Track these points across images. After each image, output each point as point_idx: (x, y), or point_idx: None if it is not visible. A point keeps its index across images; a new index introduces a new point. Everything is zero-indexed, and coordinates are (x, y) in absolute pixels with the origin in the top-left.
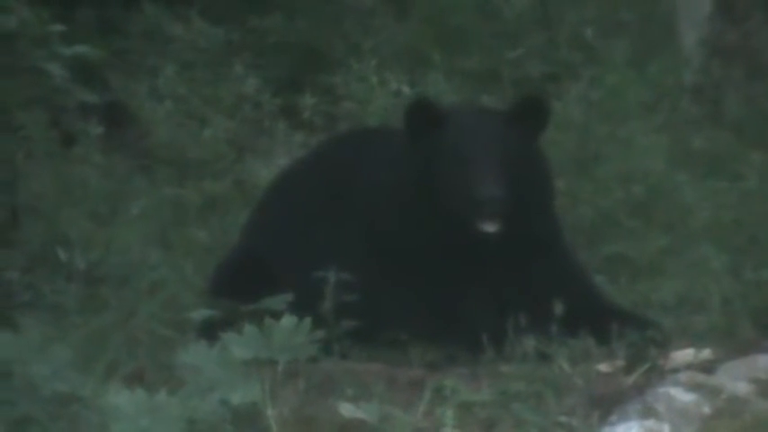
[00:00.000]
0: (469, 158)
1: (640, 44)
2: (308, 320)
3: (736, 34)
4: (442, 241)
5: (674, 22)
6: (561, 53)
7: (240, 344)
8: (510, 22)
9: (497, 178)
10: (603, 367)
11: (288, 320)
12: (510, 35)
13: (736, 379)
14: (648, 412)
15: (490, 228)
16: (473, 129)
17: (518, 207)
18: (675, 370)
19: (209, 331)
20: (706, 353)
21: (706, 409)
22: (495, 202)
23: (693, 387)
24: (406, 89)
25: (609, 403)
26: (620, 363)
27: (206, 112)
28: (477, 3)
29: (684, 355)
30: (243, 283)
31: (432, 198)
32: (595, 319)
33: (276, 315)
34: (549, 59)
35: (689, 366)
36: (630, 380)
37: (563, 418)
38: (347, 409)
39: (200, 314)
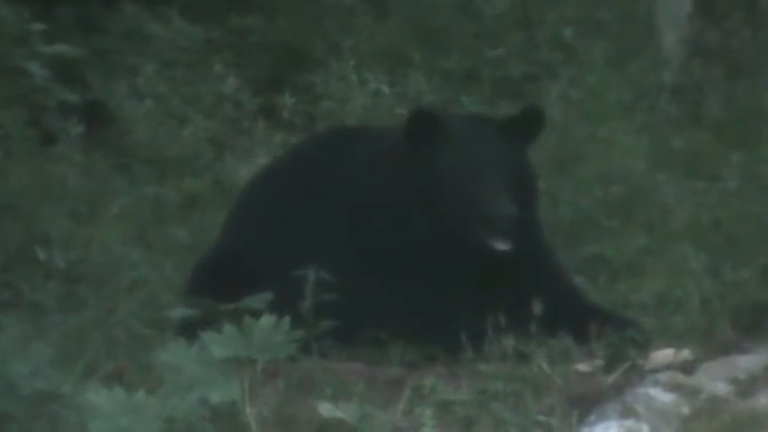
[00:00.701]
0: (480, 173)
1: (620, 44)
2: (287, 320)
3: (716, 34)
4: (434, 249)
5: (654, 22)
6: (541, 53)
7: (219, 343)
8: (490, 21)
9: (509, 195)
10: (582, 367)
11: (267, 320)
12: (490, 35)
13: (715, 379)
14: (627, 412)
15: (502, 245)
16: (479, 142)
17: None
18: (655, 370)
19: (189, 330)
20: (685, 353)
21: (685, 410)
22: (510, 219)
23: (673, 387)
24: (385, 89)
25: (588, 403)
26: (599, 362)
27: (186, 112)
28: (457, 3)
29: (664, 355)
30: (221, 282)
31: (433, 210)
32: (575, 318)
33: (255, 314)
34: (529, 59)
35: (668, 366)
36: (610, 380)
37: (542, 418)
38: (326, 409)
39: (179, 313)
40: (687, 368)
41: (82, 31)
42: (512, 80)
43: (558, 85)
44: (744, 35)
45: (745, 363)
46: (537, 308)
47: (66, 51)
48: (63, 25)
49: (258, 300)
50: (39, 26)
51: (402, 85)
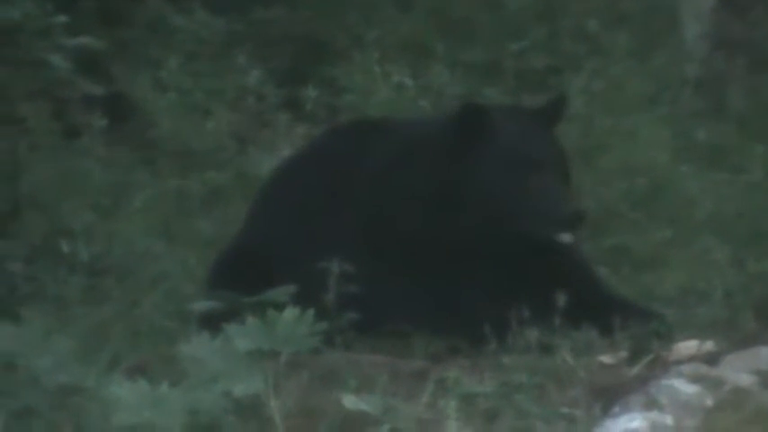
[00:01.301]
0: (537, 169)
1: (643, 36)
2: (310, 312)
3: (739, 27)
4: (469, 242)
5: (677, 14)
6: (564, 45)
7: (243, 335)
8: (513, 13)
9: (566, 188)
10: (606, 359)
11: (290, 312)
12: (513, 27)
13: (738, 371)
14: (651, 404)
15: (567, 238)
16: (529, 136)
17: None
18: (678, 362)
19: (212, 323)
20: (709, 345)
21: (709, 401)
22: (582, 215)
23: (696, 379)
24: (408, 81)
25: (611, 395)
26: (622, 354)
27: (209, 104)
28: None
29: (687, 347)
30: (242, 275)
31: (480, 204)
32: (598, 310)
33: (279, 307)
34: (552, 51)
35: (692, 358)
36: (633, 372)
37: (565, 410)
38: (350, 401)
39: (202, 306)
40: (711, 360)
41: (105, 24)
42: (535, 72)
43: (581, 77)
44: (766, 28)
45: None
46: (560, 300)
47: (89, 44)
48: (86, 18)
49: (281, 292)
50: (62, 19)
51: (425, 77)
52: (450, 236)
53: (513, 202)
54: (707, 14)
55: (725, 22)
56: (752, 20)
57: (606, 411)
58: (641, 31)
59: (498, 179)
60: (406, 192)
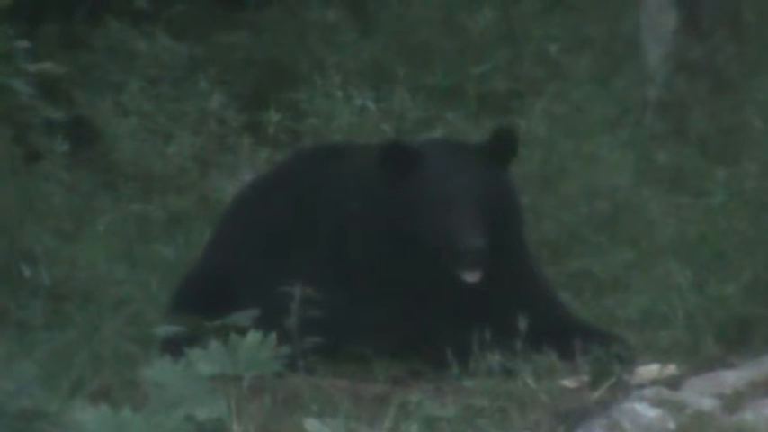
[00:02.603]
0: (450, 204)
1: (605, 60)
2: (272, 336)
3: (701, 50)
4: (415, 275)
5: (639, 38)
6: (526, 69)
7: (205, 359)
8: (475, 37)
9: (479, 226)
10: (568, 383)
11: (253, 336)
12: (475, 51)
13: (701, 394)
14: (613, 427)
15: (471, 277)
16: (452, 172)
17: (497, 236)
18: (640, 385)
19: (174, 347)
20: (671, 368)
21: (671, 425)
22: (477, 252)
23: (658, 402)
24: (370, 105)
25: (574, 419)
26: (584, 378)
27: (171, 128)
28: (441, 19)
29: (649, 370)
30: (205, 300)
31: (410, 240)
32: (560, 334)
33: (241, 331)
34: (514, 75)
35: (654, 382)
36: (595, 395)
37: None
38: (313, 425)
39: (164, 330)
40: (673, 383)
41: (66, 49)
42: (497, 96)
43: (542, 100)
44: (728, 51)
45: (731, 378)
46: (522, 324)
47: (50, 69)
48: (47, 43)
49: (244, 316)
50: (23, 43)
51: (387, 101)
52: (401, 264)
53: (425, 239)
54: (668, 38)
55: (686, 46)
56: (713, 43)
57: None
58: (603, 55)
59: (415, 215)
60: (356, 224)
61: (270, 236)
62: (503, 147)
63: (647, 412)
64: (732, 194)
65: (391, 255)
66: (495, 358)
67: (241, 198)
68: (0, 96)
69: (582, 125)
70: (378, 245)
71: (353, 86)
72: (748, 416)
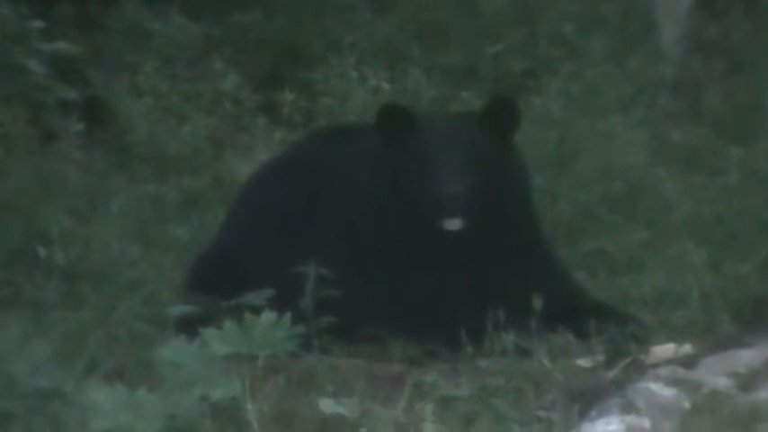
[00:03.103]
0: (433, 160)
1: (620, 39)
2: (287, 316)
3: (715, 29)
4: (414, 241)
5: (654, 17)
6: (541, 49)
7: (220, 339)
8: (490, 17)
9: (458, 176)
10: (583, 362)
11: (268, 316)
12: (490, 31)
13: (716, 374)
14: (628, 407)
15: (451, 225)
16: (440, 133)
17: (491, 207)
18: (655, 365)
19: (189, 327)
20: (686, 348)
21: (686, 404)
22: (454, 197)
23: (673, 382)
24: (385, 85)
25: (589, 398)
26: (599, 358)
27: (185, 109)
28: None
29: (664, 350)
30: (218, 280)
31: (403, 200)
32: (575, 314)
33: (256, 310)
34: (529, 55)
35: (669, 361)
36: (610, 375)
37: (542, 413)
38: (327, 405)
39: (179, 310)
40: (688, 363)
41: (81, 29)
42: (512, 76)
43: (557, 80)
44: (743, 30)
45: (746, 357)
46: (537, 303)
47: (65, 49)
48: (62, 23)
49: (258, 296)
50: (38, 24)
51: (402, 81)
52: (412, 239)
53: (413, 196)
54: (683, 17)
55: (701, 25)
56: (728, 22)
57: (583, 415)
58: (617, 35)
59: (407, 176)
60: (372, 197)
61: (284, 216)
62: (499, 116)
63: (662, 391)
64: (747, 174)
65: (395, 222)
66: (509, 338)
67: (255, 178)
68: (15, 76)
69: (597, 104)
70: (382, 213)
71: (368, 66)
72: (763, 395)
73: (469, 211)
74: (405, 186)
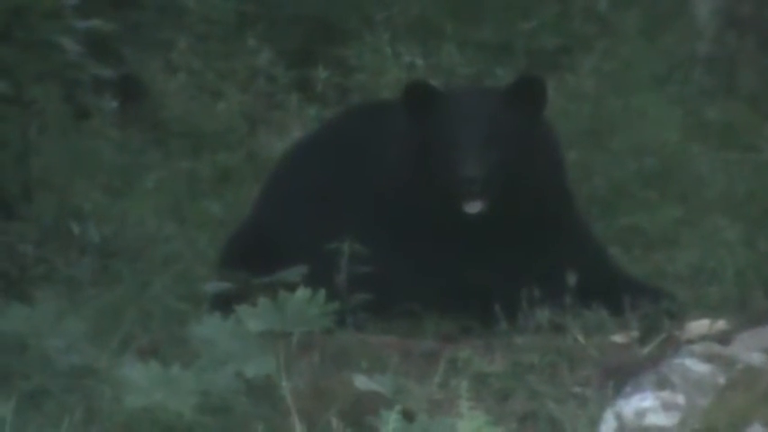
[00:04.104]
0: (454, 139)
1: (653, 16)
2: (321, 292)
3: (749, 5)
4: (444, 218)
5: None
6: (574, 25)
7: (254, 316)
8: None
9: (478, 159)
10: (618, 338)
11: (302, 293)
12: (523, 7)
13: (751, 349)
14: (663, 383)
15: (471, 208)
16: (463, 110)
17: (518, 185)
18: (690, 341)
19: (223, 304)
20: (720, 324)
21: (721, 380)
22: (472, 182)
23: (708, 358)
24: (419, 61)
25: (623, 374)
26: (634, 334)
27: (219, 86)
28: None
29: (699, 326)
30: (252, 257)
31: (427, 177)
32: (609, 290)
33: (290, 287)
34: (563, 31)
35: (704, 337)
36: (645, 351)
37: (577, 389)
38: (362, 382)
39: (213, 287)
40: (722, 339)
41: (115, 6)
42: (545, 52)
43: (591, 57)
44: None
45: None
46: (571, 279)
47: (99, 26)
48: (96, 0)
49: (293, 273)
50: (72, 1)
51: (436, 57)
52: (441, 216)
53: (435, 176)
54: None
55: (735, 1)
56: None
57: (618, 391)
58: (651, 11)
59: (432, 154)
60: (402, 174)
61: (317, 194)
62: (527, 93)
63: (697, 368)
64: None
65: (424, 199)
66: (544, 314)
67: (289, 155)
68: (49, 54)
69: (631, 81)
70: (412, 190)
71: (402, 43)
72: None
73: (490, 192)
74: (428, 165)
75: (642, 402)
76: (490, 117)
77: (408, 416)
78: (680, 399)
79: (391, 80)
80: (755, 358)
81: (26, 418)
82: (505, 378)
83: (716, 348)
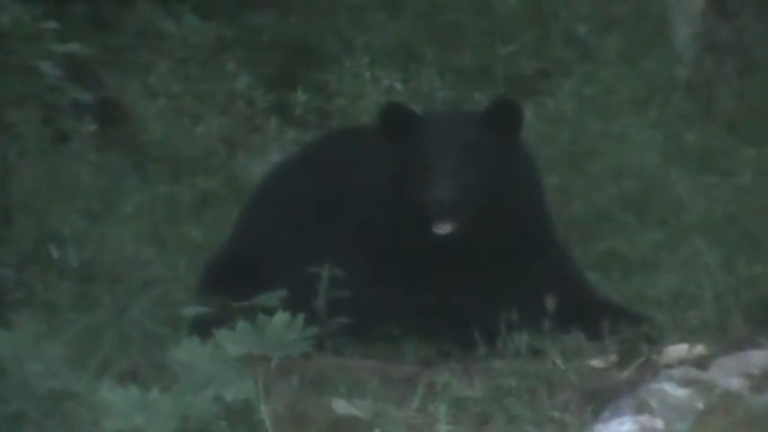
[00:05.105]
0: (427, 162)
1: (633, 40)
2: (300, 317)
3: (728, 30)
4: (421, 242)
5: (667, 18)
6: (554, 49)
7: (233, 340)
8: (503, 18)
9: (449, 181)
10: (596, 363)
11: (281, 317)
12: (503, 31)
13: (729, 374)
14: (642, 407)
15: (442, 230)
16: (438, 132)
17: (493, 208)
18: (669, 365)
19: (202, 328)
20: (699, 348)
21: (699, 405)
22: (441, 203)
23: (687, 382)
24: (398, 86)
25: (602, 399)
26: (613, 358)
27: (199, 109)
28: None
29: (678, 350)
30: (232, 280)
31: (403, 200)
32: (588, 314)
33: (269, 311)
34: (542, 56)
35: (682, 362)
36: (624, 375)
37: (556, 414)
38: (341, 406)
39: (192, 311)
40: (701, 363)
41: (94, 30)
42: (525, 77)
43: (571, 81)
44: (756, 31)
45: (759, 358)
46: (550, 304)
47: (78, 50)
48: (75, 24)
49: (272, 297)
50: (51, 25)
51: (415, 81)
52: (417, 240)
53: (408, 198)
54: (696, 18)
55: (714, 26)
56: (741, 23)
57: (597, 415)
58: (631, 35)
59: (406, 177)
60: (381, 198)
61: (297, 217)
62: (503, 117)
63: (676, 392)
64: (760, 174)
65: (402, 222)
66: (522, 338)
67: (269, 179)
68: (28, 78)
69: (610, 105)
70: (390, 214)
71: (381, 67)
72: None
73: (463, 214)
74: (404, 187)
75: (621, 427)
76: (465, 140)
77: None
78: (658, 423)
79: (370, 104)
80: (734, 383)
81: None
82: (484, 402)
83: (694, 373)
